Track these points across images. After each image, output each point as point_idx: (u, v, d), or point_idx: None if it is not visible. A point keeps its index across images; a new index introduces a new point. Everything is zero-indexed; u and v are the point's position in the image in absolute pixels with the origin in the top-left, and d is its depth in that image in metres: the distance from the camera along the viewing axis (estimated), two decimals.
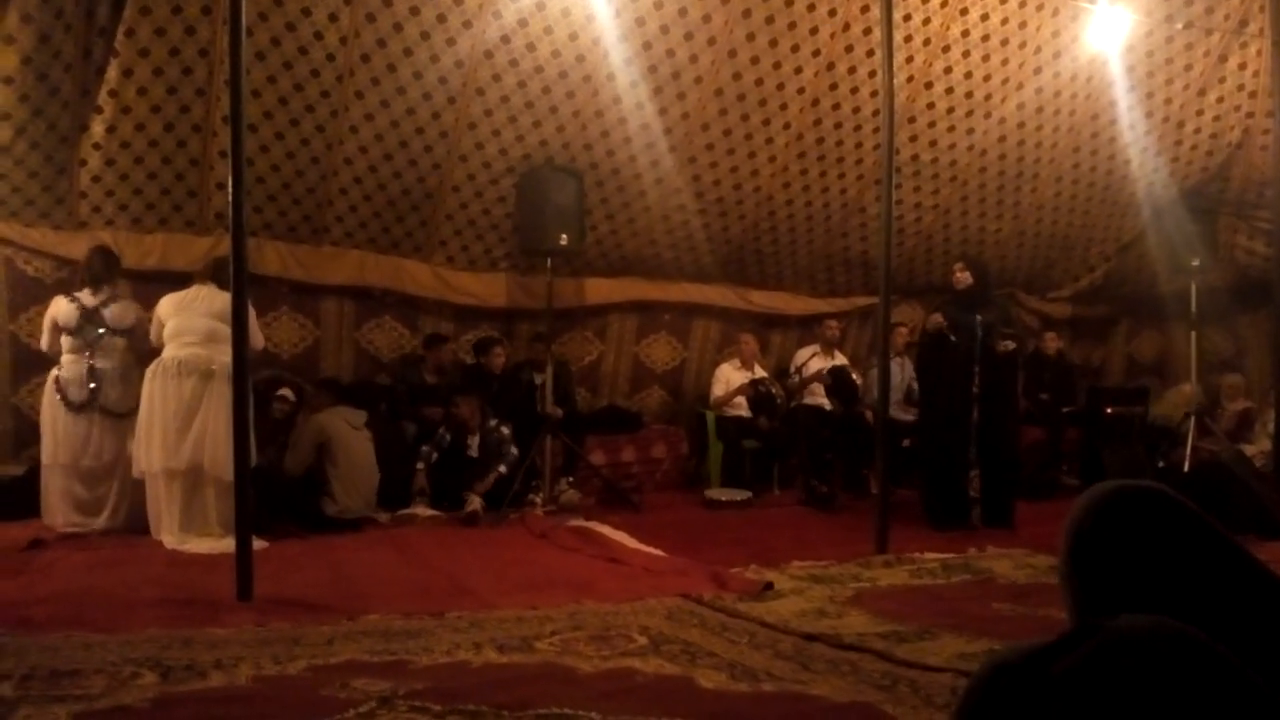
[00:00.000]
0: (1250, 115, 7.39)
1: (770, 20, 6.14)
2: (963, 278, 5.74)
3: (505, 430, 6.12)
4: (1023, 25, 6.57)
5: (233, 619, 3.29)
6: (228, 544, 4.22)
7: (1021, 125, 7.20)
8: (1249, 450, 6.81)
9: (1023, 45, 6.67)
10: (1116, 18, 6.45)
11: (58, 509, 5.16)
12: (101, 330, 5.20)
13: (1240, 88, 7.27)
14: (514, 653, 2.85)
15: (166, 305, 5.13)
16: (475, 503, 5.71)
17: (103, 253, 5.39)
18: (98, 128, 5.58)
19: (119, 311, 5.24)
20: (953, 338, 5.56)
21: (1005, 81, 6.85)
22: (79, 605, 3.49)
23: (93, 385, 5.14)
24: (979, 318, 5.55)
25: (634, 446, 7.34)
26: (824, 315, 7.91)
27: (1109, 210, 8.15)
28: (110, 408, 5.16)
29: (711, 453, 7.28)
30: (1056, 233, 8.21)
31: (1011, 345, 5.65)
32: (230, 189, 3.65)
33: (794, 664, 2.73)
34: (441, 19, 5.66)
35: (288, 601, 3.58)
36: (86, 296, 5.22)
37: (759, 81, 6.44)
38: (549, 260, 6.44)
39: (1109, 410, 7.46)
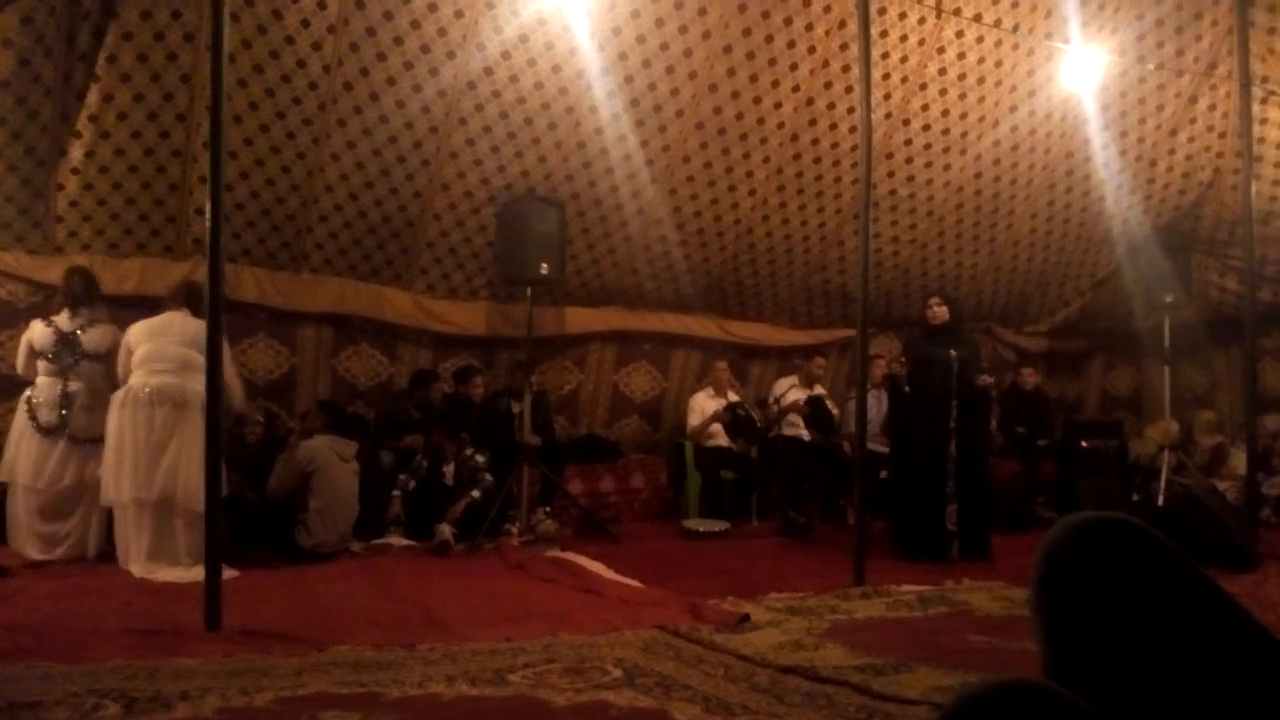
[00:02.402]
0: (1220, 155, 7.54)
1: (751, 56, 6.22)
2: (940, 312, 5.77)
3: (480, 459, 6.08)
4: (998, 64, 6.69)
5: (200, 649, 3.24)
6: (197, 573, 4.16)
7: (997, 162, 7.31)
8: (1221, 485, 6.88)
9: (998, 84, 6.79)
10: (1090, 58, 6.58)
11: (25, 536, 5.07)
12: (77, 355, 5.13)
13: (1210, 128, 7.43)
14: (487, 685, 2.82)
15: (137, 332, 5.05)
16: (445, 533, 5.64)
17: (80, 275, 5.34)
18: (76, 152, 5.56)
19: (96, 336, 5.18)
20: (907, 388, 5.62)
21: (981, 119, 6.96)
22: (41, 635, 3.43)
23: (64, 410, 5.07)
24: (953, 352, 5.59)
25: (612, 476, 7.32)
26: (803, 347, 7.95)
27: (1084, 246, 8.27)
28: (77, 434, 5.09)
29: (690, 483, 7.27)
30: (1032, 268, 8.31)
31: (991, 380, 5.71)
32: (209, 215, 3.64)
33: (770, 697, 2.71)
34: (425, 49, 5.70)
35: (257, 632, 3.53)
36: (63, 320, 5.17)
37: (739, 116, 6.51)
38: (529, 289, 6.44)
39: (1084, 443, 7.51)
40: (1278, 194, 7.45)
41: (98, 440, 5.05)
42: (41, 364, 5.16)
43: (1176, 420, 8.03)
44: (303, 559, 5.26)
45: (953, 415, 5.50)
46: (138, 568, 4.73)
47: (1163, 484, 7.15)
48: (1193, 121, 7.40)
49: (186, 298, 5.09)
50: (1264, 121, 7.01)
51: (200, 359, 4.89)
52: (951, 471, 5.48)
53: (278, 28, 5.43)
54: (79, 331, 5.16)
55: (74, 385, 5.12)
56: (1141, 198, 7.79)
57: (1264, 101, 6.89)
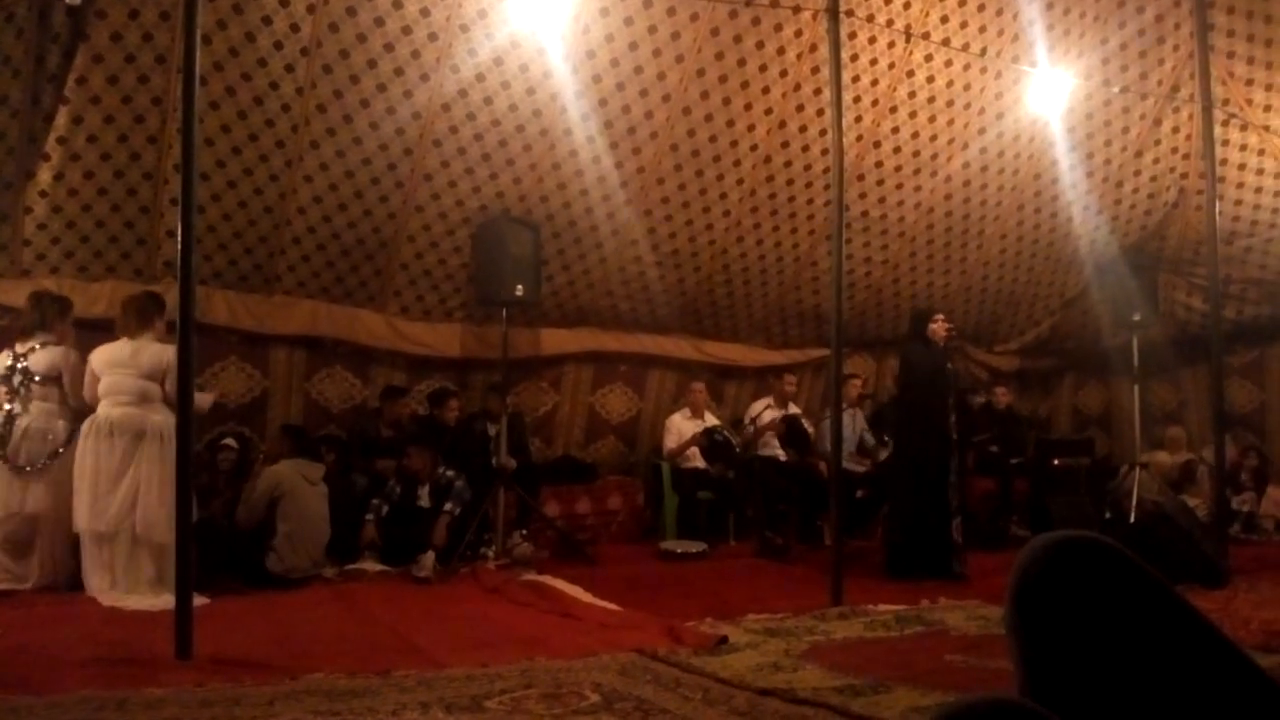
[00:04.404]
0: (1184, 176, 7.69)
1: (724, 80, 6.28)
2: (945, 330, 5.83)
3: (459, 482, 6.02)
4: (967, 88, 6.79)
5: (171, 678, 3.18)
6: (166, 600, 4.10)
7: (967, 184, 7.40)
8: (1191, 501, 6.96)
9: (967, 107, 6.89)
10: (1056, 82, 6.70)
11: None
12: (26, 379, 5.03)
13: (1174, 150, 7.58)
14: (462, 712, 2.78)
15: (99, 359, 4.97)
16: (427, 568, 5.52)
17: (34, 301, 5.23)
18: (44, 175, 5.50)
19: (43, 358, 5.05)
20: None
21: (951, 141, 7.05)
22: (7, 666, 3.35)
23: (4, 437, 4.93)
24: (949, 365, 5.67)
25: (589, 498, 7.29)
26: (778, 367, 7.97)
27: (1053, 266, 8.38)
28: (16, 460, 4.94)
29: (667, 504, 7.25)
30: (1002, 288, 8.41)
31: (981, 400, 5.78)
32: (180, 237, 3.60)
33: None
34: (399, 72, 5.70)
35: (229, 660, 3.47)
36: (20, 345, 5.10)
37: (713, 138, 6.56)
38: (504, 310, 6.43)
39: (1056, 461, 7.58)
40: (1240, 214, 7.60)
41: (44, 469, 4.94)
42: (2, 390, 5.07)
43: (1145, 437, 8.12)
44: (274, 585, 5.18)
45: (953, 428, 5.55)
46: (103, 597, 4.65)
47: (1134, 501, 7.22)
48: (1157, 143, 7.55)
49: (129, 315, 5.01)
50: (1226, 143, 7.16)
51: (156, 389, 4.87)
52: (955, 484, 5.51)
53: (250, 50, 5.42)
54: (29, 354, 5.06)
55: (17, 409, 4.99)
56: (1108, 218, 7.91)
57: (1225, 124, 7.04)
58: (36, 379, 5.04)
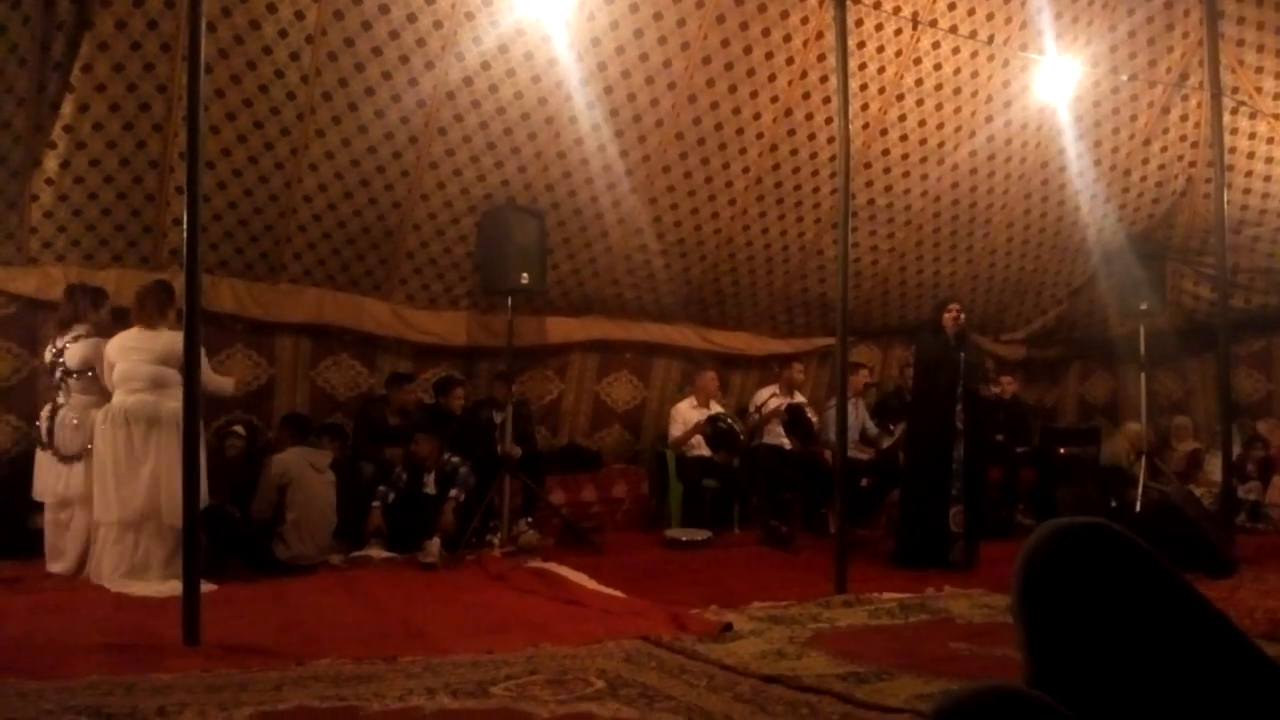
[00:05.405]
0: (1193, 164, 7.64)
1: (729, 67, 6.26)
2: (959, 319, 5.84)
3: (464, 469, 6.04)
4: (974, 75, 6.75)
5: (178, 664, 3.20)
6: (173, 587, 4.12)
7: (974, 172, 7.37)
8: (1197, 490, 6.95)
9: (974, 94, 6.85)
10: (1064, 69, 6.66)
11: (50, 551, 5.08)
12: (63, 372, 5.10)
13: (1183, 138, 7.53)
14: (468, 698, 2.80)
15: (113, 349, 5.01)
16: (433, 554, 5.53)
17: (70, 292, 5.31)
18: (51, 163, 5.50)
19: (77, 352, 5.11)
20: (909, 397, 5.67)
21: (958, 129, 7.02)
22: (16, 651, 3.38)
23: (51, 427, 5.06)
24: (962, 355, 5.67)
25: (594, 486, 7.30)
26: (784, 355, 7.96)
27: (1060, 255, 8.35)
28: (60, 450, 5.04)
29: (672, 492, 7.25)
30: (1009, 276, 8.38)
31: (997, 391, 5.78)
32: (186, 225, 3.61)
33: (753, 706, 2.71)
34: (404, 59, 5.69)
35: (236, 646, 3.49)
36: (60, 339, 5.17)
37: (719, 126, 6.54)
38: (510, 299, 6.43)
39: (1061, 450, 7.57)
40: (1249, 202, 7.56)
41: (81, 457, 5.01)
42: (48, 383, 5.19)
43: (1152, 426, 8.11)
44: (281, 572, 5.20)
45: (959, 417, 5.55)
46: (112, 583, 4.68)
47: (1140, 490, 7.22)
48: (1165, 131, 7.50)
49: (145, 305, 5.04)
50: (1234, 131, 7.11)
51: (171, 374, 4.90)
52: (958, 473, 5.51)
53: (255, 38, 5.41)
54: (65, 348, 5.12)
55: (60, 401, 5.10)
56: (1116, 206, 7.88)
57: (1234, 112, 6.99)
58: (74, 374, 5.10)
